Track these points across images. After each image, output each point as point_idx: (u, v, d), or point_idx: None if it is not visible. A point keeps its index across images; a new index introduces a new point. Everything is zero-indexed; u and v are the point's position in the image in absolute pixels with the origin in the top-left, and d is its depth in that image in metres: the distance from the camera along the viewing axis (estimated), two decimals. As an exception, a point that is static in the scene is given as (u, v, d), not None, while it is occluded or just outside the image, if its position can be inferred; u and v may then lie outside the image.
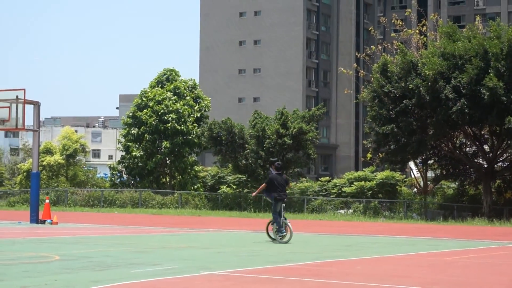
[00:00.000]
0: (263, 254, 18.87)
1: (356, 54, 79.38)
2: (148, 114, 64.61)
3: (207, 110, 67.99)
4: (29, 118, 34.16)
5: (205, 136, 61.18)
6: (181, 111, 64.67)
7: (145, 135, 64.44)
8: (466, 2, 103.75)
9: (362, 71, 63.39)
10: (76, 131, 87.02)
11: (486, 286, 13.50)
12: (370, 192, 54.40)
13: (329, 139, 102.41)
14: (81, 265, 14.68)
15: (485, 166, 50.96)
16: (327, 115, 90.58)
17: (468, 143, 53.05)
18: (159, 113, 64.46)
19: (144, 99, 66.34)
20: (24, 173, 75.06)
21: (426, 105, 47.22)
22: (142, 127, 64.75)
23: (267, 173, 24.15)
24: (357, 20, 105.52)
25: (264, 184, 23.99)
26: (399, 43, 53.12)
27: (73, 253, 17.38)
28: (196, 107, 66.65)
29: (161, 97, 65.30)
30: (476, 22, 55.72)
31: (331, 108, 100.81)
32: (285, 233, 23.06)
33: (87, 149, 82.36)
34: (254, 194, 25.51)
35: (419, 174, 58.53)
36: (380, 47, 60.52)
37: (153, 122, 64.16)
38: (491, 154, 50.65)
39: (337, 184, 57.91)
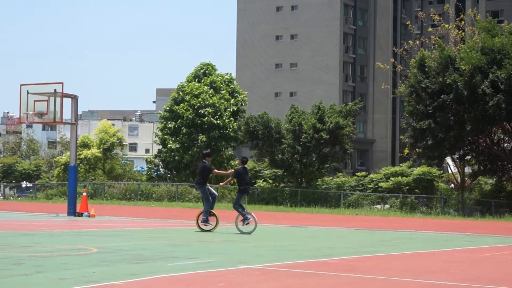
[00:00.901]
0: (300, 249, 18.86)
1: (394, 48, 79.08)
2: (184, 108, 64.85)
3: (243, 104, 68.10)
4: (66, 112, 34.40)
5: (241, 130, 61.23)
6: (217, 105, 64.82)
7: (182, 128, 64.67)
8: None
9: (399, 66, 62.96)
10: (113, 124, 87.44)
11: (524, 283, 13.38)
12: (407, 187, 54.16)
13: (365, 134, 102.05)
14: (119, 258, 14.76)
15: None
16: (364, 110, 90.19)
17: (506, 138, 52.61)
18: (196, 107, 64.67)
19: (181, 93, 66.60)
20: (62, 166, 75.68)
21: (463, 100, 46.92)
22: (179, 121, 65.01)
23: (204, 165, 24.91)
24: (394, 15, 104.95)
25: (231, 178, 26.31)
26: (437, 38, 52.77)
27: (111, 246, 17.49)
28: (232, 101, 66.78)
29: (198, 91, 65.50)
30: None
31: (367, 102, 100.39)
32: (250, 219, 23.95)
33: (124, 143, 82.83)
34: (222, 184, 27.30)
35: (456, 170, 58.10)
36: (417, 42, 60.13)
37: (190, 116, 64.39)
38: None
39: (374, 179, 57.74)
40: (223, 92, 66.98)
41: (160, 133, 68.14)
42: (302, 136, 57.85)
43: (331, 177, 61.40)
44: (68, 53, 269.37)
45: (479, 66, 45.93)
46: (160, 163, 68.86)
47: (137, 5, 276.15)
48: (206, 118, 64.20)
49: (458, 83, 46.18)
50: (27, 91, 33.44)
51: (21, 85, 33.88)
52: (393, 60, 70.50)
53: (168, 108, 67.20)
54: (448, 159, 58.28)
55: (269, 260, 15.38)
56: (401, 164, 61.24)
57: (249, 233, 23.74)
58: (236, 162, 61.49)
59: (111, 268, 13.11)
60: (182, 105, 65.45)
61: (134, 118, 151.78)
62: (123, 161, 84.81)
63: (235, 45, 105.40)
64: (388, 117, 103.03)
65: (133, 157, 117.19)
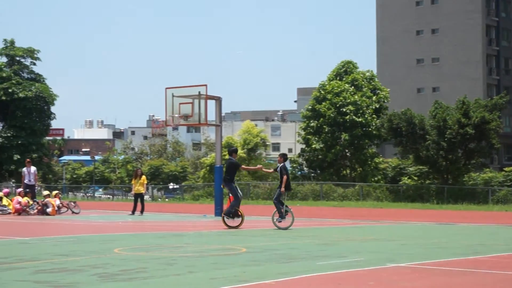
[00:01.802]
0: (449, 246, 18.48)
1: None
2: (326, 107, 64.81)
3: (385, 101, 67.49)
4: (210, 113, 34.88)
5: (384, 128, 60.69)
6: (359, 102, 64.50)
7: (324, 127, 64.65)
8: None
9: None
10: (256, 125, 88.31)
11: None
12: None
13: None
14: (267, 257, 14.83)
15: None
16: (510, 103, 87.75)
17: None
18: (338, 105, 64.53)
19: (322, 91, 66.62)
20: (207, 167, 76.96)
21: None
22: (321, 120, 65.04)
23: (231, 161, 25.24)
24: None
25: (272, 170, 27.04)
26: None
27: (259, 246, 17.60)
28: (374, 98, 66.28)
29: (339, 89, 65.32)
30: None
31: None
32: (288, 215, 24.68)
33: (267, 143, 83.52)
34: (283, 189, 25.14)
35: None
36: None
37: (332, 115, 64.31)
38: None
39: (523, 174, 56.17)
40: (364, 89, 66.58)
41: (302, 133, 68.37)
42: (447, 132, 56.84)
43: (477, 173, 60.05)
44: (211, 55, 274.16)
45: None
46: (304, 162, 69.08)
47: (277, 5, 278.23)
48: (348, 116, 63.99)
49: None
50: (172, 94, 34.12)
51: (166, 88, 34.61)
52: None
53: (310, 107, 67.35)
54: None
55: (418, 258, 15.13)
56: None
57: (286, 229, 23.86)
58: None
59: (260, 267, 13.19)
60: (324, 103, 65.46)
61: (276, 118, 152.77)
62: (266, 161, 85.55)
63: (375, 42, 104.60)
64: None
65: (276, 157, 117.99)
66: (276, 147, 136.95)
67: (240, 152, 77.18)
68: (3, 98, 76.59)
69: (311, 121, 66.34)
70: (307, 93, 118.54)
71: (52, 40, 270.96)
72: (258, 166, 28.19)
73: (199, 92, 33.47)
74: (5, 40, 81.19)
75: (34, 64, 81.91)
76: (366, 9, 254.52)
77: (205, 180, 76.12)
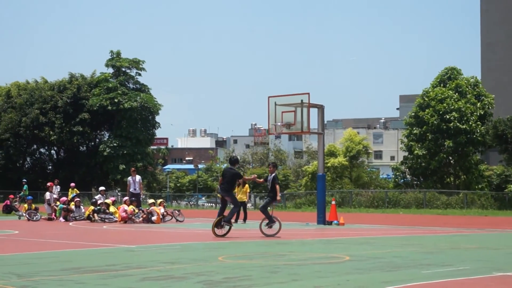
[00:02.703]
0: (558, 256, 18.04)
1: None
2: (430, 114, 64.09)
3: (490, 107, 66.29)
4: (313, 121, 34.85)
5: (489, 134, 59.62)
6: (463, 109, 63.53)
7: (427, 134, 63.96)
8: None
9: None
10: (358, 132, 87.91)
11: None
12: None
13: None
14: (371, 266, 14.77)
15: None
16: None
17: None
18: (441, 112, 63.71)
19: (425, 98, 65.88)
20: (309, 175, 76.97)
21: None
22: (424, 127, 64.35)
23: (234, 172, 24.71)
24: None
25: (263, 180, 26.68)
26: None
27: (362, 254, 17.53)
28: (479, 105, 65.19)
29: (443, 96, 64.49)
30: None
31: None
32: (275, 222, 24.78)
33: (369, 151, 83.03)
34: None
35: None
36: None
37: (435, 122, 63.54)
38: None
39: None
40: (468, 96, 65.56)
41: (405, 140, 67.76)
42: (555, 138, 55.45)
43: None
44: (313, 63, 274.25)
45: None
46: (407, 170, 68.44)
47: (379, 12, 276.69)
48: (452, 123, 63.12)
49: None
50: (275, 102, 34.27)
51: (269, 97, 34.78)
52: None
53: (413, 114, 66.74)
54: None
55: (526, 267, 14.81)
56: None
57: (273, 235, 24.11)
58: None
59: (364, 276, 13.14)
60: (427, 110, 64.77)
61: (378, 125, 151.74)
62: (369, 169, 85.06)
63: (479, 48, 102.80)
64: None
65: (378, 165, 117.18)
66: (378, 154, 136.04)
67: (342, 160, 76.96)
68: (109, 108, 78.31)
69: (414, 128, 65.70)
70: (410, 100, 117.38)
71: (157, 51, 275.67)
72: (253, 176, 27.50)
73: (302, 100, 33.51)
74: (111, 51, 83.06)
75: (139, 74, 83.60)
76: (470, 15, 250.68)
77: (307, 188, 76.16)
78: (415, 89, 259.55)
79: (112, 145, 78.92)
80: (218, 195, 24.38)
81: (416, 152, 64.79)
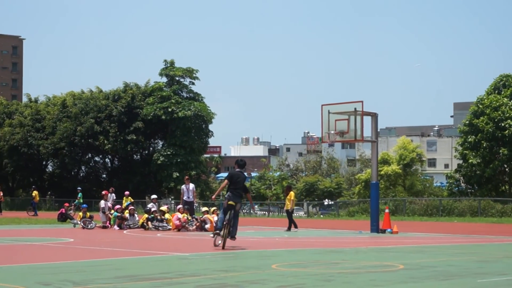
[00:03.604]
0: None
1: None
2: (484, 122, 63.46)
3: (547, 114, 65.40)
4: (366, 129, 34.71)
5: (545, 142, 58.89)
6: (518, 117, 62.84)
7: (482, 142, 63.35)
8: None
9: None
10: (411, 140, 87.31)
11: None
12: None
13: None
14: (426, 274, 14.68)
15: None
16: None
17: None
18: (496, 120, 63.05)
19: (480, 106, 65.25)
20: (362, 183, 76.70)
21: None
22: (479, 135, 63.73)
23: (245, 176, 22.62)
24: None
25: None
26: None
27: (417, 262, 17.42)
28: (534, 112, 64.40)
29: (498, 104, 63.84)
30: None
31: None
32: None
33: (423, 158, 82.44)
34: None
35: None
36: None
37: (490, 129, 62.90)
38: None
39: None
40: (523, 103, 64.79)
41: (460, 148, 67.16)
42: None
43: None
44: (366, 70, 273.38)
45: None
46: (461, 178, 67.83)
47: (432, 20, 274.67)
48: (507, 131, 62.41)
49: None
50: (328, 110, 34.26)
51: (322, 105, 34.79)
52: None
53: (467, 122, 66.13)
54: None
55: None
56: None
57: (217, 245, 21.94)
58: None
59: (419, 284, 13.08)
60: (482, 118, 64.15)
61: (432, 133, 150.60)
62: (422, 177, 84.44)
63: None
64: None
65: (432, 173, 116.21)
66: (432, 162, 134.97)
67: (396, 168, 76.56)
68: (163, 117, 78.84)
69: (469, 136, 65.10)
70: (464, 108, 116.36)
71: (210, 59, 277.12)
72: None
73: (355, 108, 33.44)
74: (165, 61, 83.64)
75: (193, 83, 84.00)
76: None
77: (360, 196, 75.86)
78: (470, 97, 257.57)
79: (165, 153, 79.40)
80: (230, 202, 21.92)
81: (470, 160, 64.19)
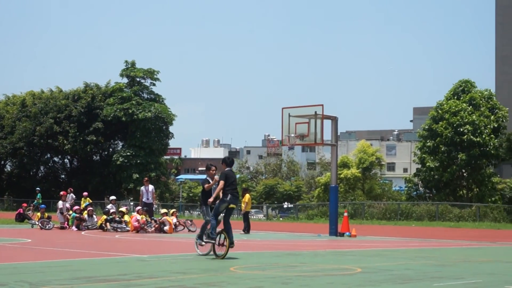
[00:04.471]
0: None
1: None
2: (443, 126, 63.99)
3: (504, 120, 66.12)
4: (326, 133, 34.89)
5: (503, 147, 59.56)
6: (477, 122, 63.40)
7: (441, 146, 63.90)
8: None
9: None
10: (371, 144, 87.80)
11: None
12: None
13: None
14: (383, 278, 14.76)
15: None
16: None
17: None
18: (455, 125, 63.61)
19: (439, 111, 65.79)
20: (322, 187, 76.93)
21: None
22: (438, 139, 64.26)
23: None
24: None
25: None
26: None
27: (374, 266, 17.52)
28: (492, 118, 65.04)
29: (457, 109, 64.41)
30: None
31: None
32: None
33: (382, 162, 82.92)
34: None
35: None
36: None
37: (449, 134, 63.44)
38: None
39: None
40: (482, 108, 65.43)
41: (418, 152, 67.65)
42: None
43: None
44: (327, 74, 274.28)
45: None
46: (420, 182, 68.34)
47: (393, 25, 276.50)
48: (465, 136, 62.99)
49: None
50: (289, 114, 34.36)
51: (283, 108, 34.88)
52: None
53: (426, 127, 66.64)
54: None
55: (539, 281, 14.77)
56: None
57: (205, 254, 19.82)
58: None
59: (376, 288, 13.15)
60: (441, 123, 64.67)
61: (391, 137, 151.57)
62: (381, 181, 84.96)
63: (494, 61, 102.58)
64: None
65: (391, 177, 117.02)
66: (391, 166, 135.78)
67: (355, 171, 76.90)
68: (124, 118, 78.48)
69: (428, 141, 65.61)
70: (423, 113, 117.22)
71: (172, 61, 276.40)
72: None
73: (315, 112, 33.57)
74: (126, 61, 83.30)
75: (154, 84, 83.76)
76: (485, 27, 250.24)
77: (319, 199, 76.10)
78: (429, 102, 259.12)
79: (125, 154, 79.06)
80: (234, 205, 19.47)
81: (429, 164, 64.67)
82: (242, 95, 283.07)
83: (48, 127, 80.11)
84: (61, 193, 42.15)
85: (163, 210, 37.53)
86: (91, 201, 43.65)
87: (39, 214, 39.81)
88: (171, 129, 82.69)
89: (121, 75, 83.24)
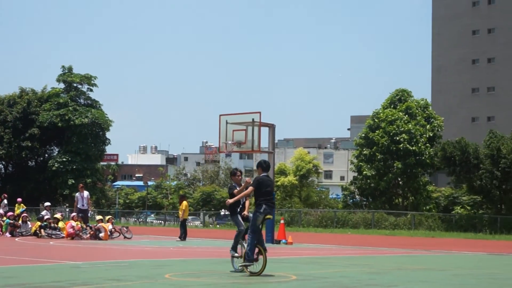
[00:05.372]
0: (501, 277, 18.26)
1: None
2: (380, 135, 64.63)
3: (439, 130, 67.05)
4: (264, 140, 34.99)
5: (438, 156, 60.31)
6: (413, 131, 64.19)
7: (377, 155, 64.51)
8: None
9: None
10: (308, 152, 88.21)
11: None
12: None
13: None
14: (318, 285, 14.82)
15: None
16: None
17: None
18: (391, 134, 64.29)
19: (376, 120, 66.42)
20: (259, 194, 77.00)
21: None
22: (374, 148, 64.87)
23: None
24: None
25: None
26: None
27: (310, 273, 17.59)
28: (428, 127, 65.92)
29: (393, 118, 65.11)
30: None
31: None
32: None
33: (319, 170, 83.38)
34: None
35: None
36: None
37: (385, 143, 64.10)
38: None
39: None
40: (418, 118, 66.25)
41: (355, 160, 68.19)
42: (501, 161, 56.25)
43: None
44: (264, 82, 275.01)
45: None
46: (356, 190, 68.87)
47: (331, 33, 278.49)
48: (401, 145, 63.69)
49: None
50: (226, 121, 34.39)
51: (220, 115, 34.89)
52: None
53: (363, 135, 67.23)
54: None
55: (471, 289, 14.99)
56: None
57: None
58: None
59: (311, 295, 13.19)
60: (377, 132, 65.31)
61: (329, 145, 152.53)
62: (318, 189, 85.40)
63: (430, 70, 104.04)
64: None
65: (328, 185, 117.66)
66: (328, 174, 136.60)
67: (292, 179, 77.19)
68: (60, 124, 77.62)
69: (364, 149, 66.20)
70: (361, 121, 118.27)
71: (109, 67, 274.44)
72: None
73: (253, 119, 33.65)
74: (63, 66, 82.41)
75: (91, 90, 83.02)
76: (422, 37, 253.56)
77: (256, 206, 76.17)
78: (366, 110, 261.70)
79: (61, 160, 78.17)
80: (268, 216, 17.09)
81: (365, 172, 65.24)
82: (180, 101, 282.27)
83: (-18, 132, 78.84)
84: (-5, 199, 41.53)
85: (99, 217, 37.22)
86: (25, 207, 43.05)
87: (-28, 220, 39.12)
88: (108, 135, 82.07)
89: (58, 80, 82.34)
